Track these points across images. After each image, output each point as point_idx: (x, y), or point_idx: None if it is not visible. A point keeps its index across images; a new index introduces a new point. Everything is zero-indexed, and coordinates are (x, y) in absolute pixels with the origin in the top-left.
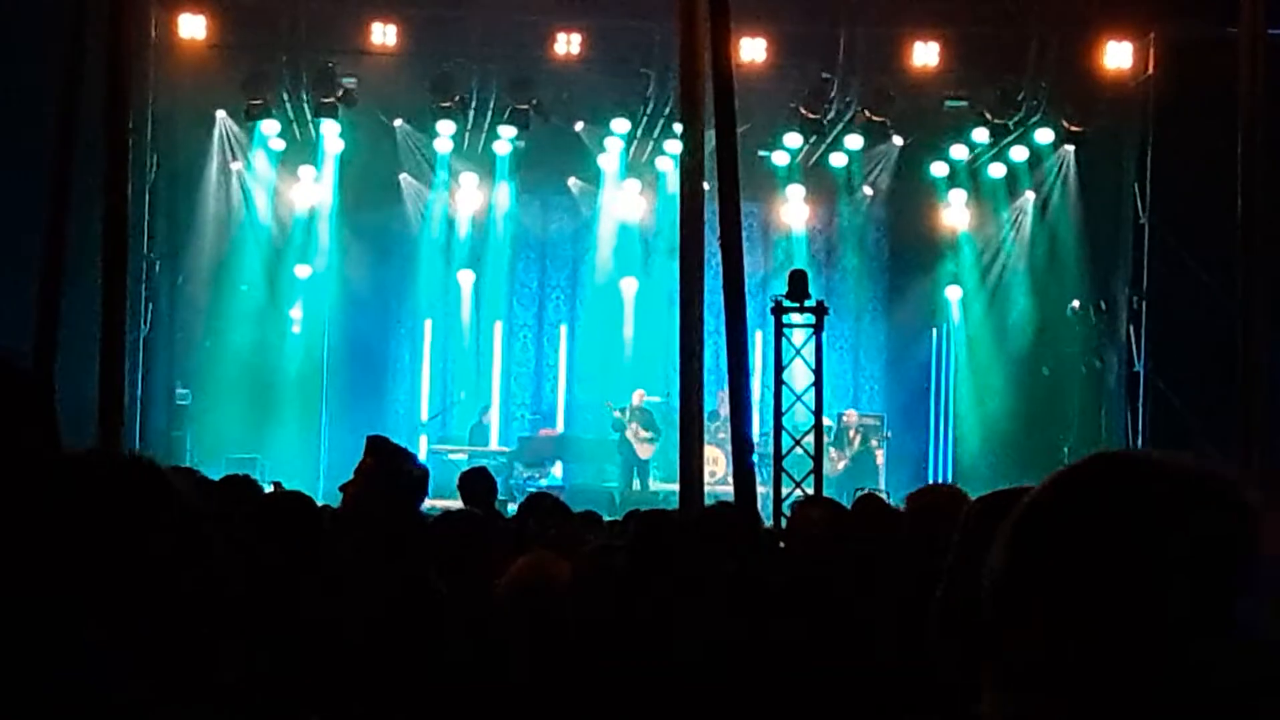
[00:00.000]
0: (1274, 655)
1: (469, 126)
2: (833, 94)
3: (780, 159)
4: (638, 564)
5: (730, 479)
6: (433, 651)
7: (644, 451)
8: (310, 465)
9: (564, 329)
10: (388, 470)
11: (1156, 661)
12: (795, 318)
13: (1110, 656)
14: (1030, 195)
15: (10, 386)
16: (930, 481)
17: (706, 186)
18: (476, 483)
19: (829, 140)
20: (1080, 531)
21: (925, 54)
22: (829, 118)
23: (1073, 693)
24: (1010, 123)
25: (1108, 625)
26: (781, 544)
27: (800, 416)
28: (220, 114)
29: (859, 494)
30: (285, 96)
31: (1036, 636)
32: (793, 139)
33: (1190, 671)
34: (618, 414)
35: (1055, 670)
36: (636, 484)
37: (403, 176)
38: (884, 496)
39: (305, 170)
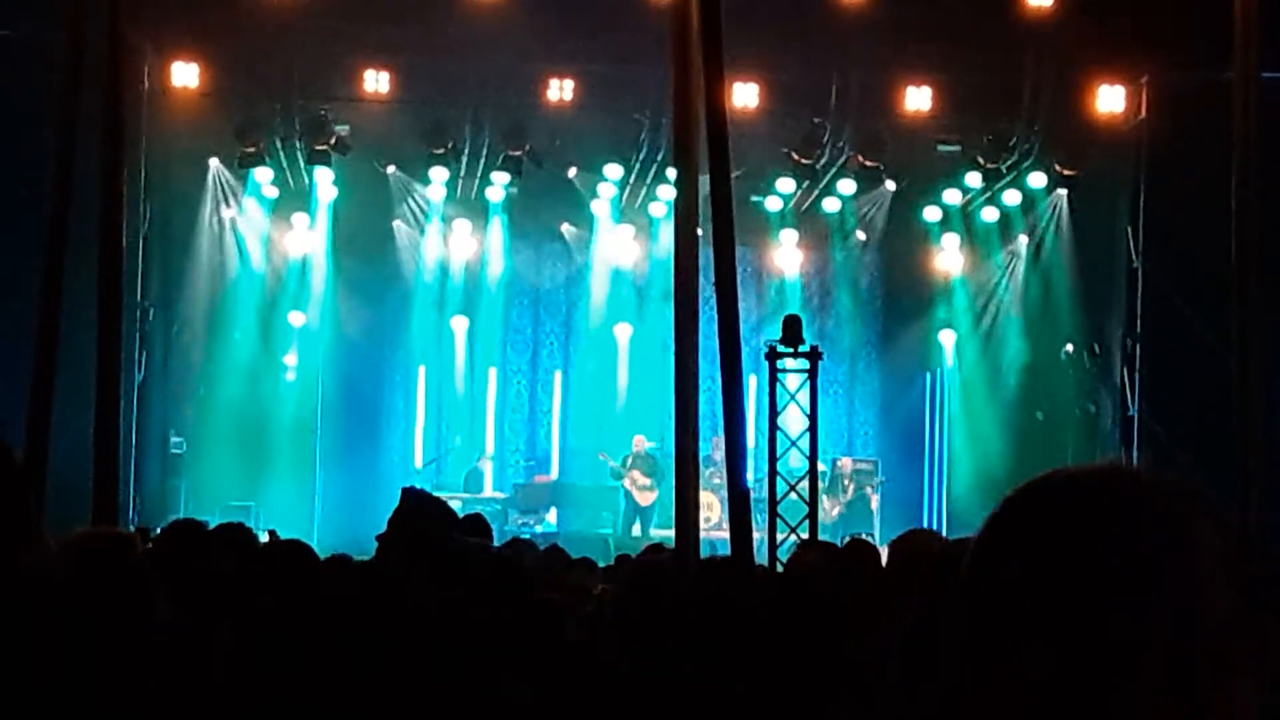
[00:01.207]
0: None
1: (462, 173)
2: (825, 139)
3: (773, 204)
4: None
5: (725, 525)
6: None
7: (645, 499)
8: (305, 513)
9: (558, 375)
10: (418, 517)
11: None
12: (789, 363)
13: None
14: (1023, 239)
15: None
16: (924, 527)
17: (700, 232)
18: (473, 529)
19: (822, 185)
20: (1031, 559)
21: (918, 98)
22: (822, 163)
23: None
24: (1003, 167)
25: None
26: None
27: (795, 462)
28: (213, 161)
29: (845, 540)
30: (278, 144)
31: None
32: (785, 184)
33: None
34: (613, 464)
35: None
36: (637, 529)
37: (396, 223)
38: (870, 539)
39: (299, 217)
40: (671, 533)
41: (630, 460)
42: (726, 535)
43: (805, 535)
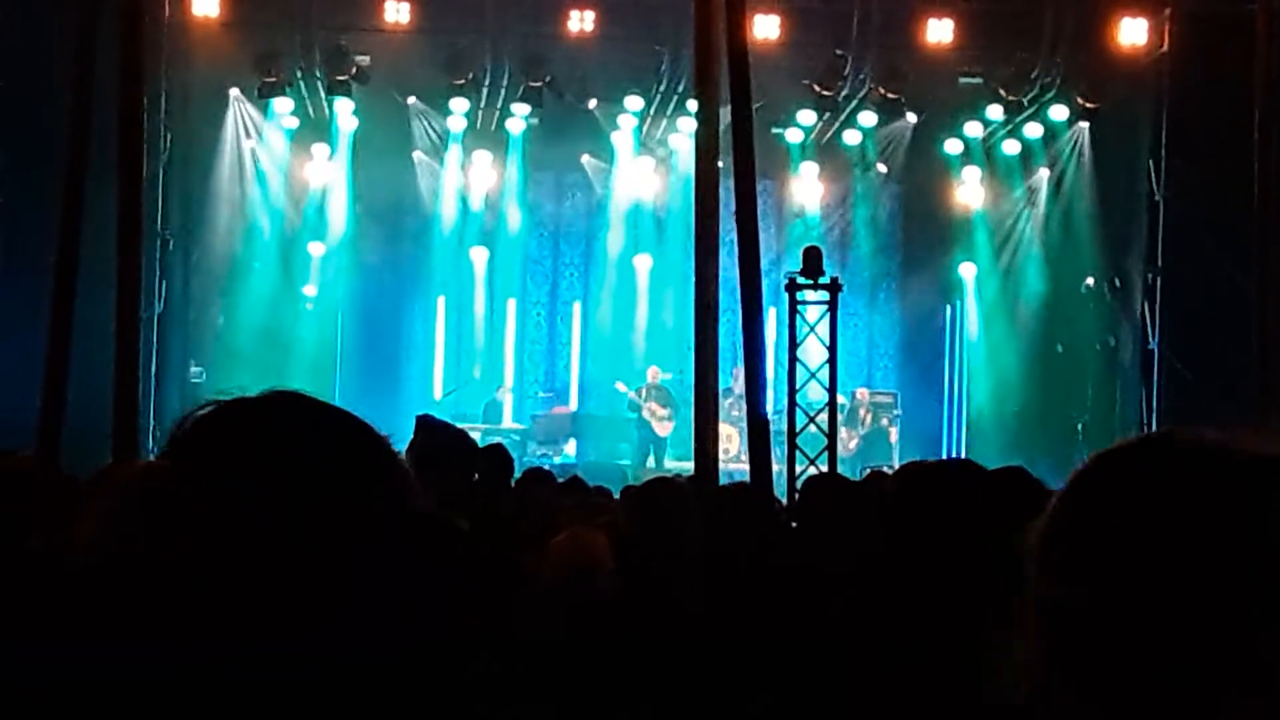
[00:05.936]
0: None
1: (482, 104)
2: (846, 71)
3: (794, 136)
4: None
5: (744, 456)
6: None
7: (662, 429)
8: None
9: (577, 306)
10: (437, 446)
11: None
12: (809, 295)
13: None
14: (1044, 172)
15: None
16: (941, 459)
17: (721, 164)
18: (494, 459)
19: (843, 117)
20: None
21: (939, 30)
22: (843, 95)
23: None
24: (1024, 99)
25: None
26: (794, 523)
27: (814, 394)
28: (234, 92)
29: (865, 472)
30: (299, 74)
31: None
32: (806, 116)
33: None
34: (631, 394)
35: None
36: (652, 462)
37: (416, 154)
38: (889, 471)
39: (319, 148)
40: (687, 464)
41: (645, 391)
42: (745, 467)
43: (824, 467)
